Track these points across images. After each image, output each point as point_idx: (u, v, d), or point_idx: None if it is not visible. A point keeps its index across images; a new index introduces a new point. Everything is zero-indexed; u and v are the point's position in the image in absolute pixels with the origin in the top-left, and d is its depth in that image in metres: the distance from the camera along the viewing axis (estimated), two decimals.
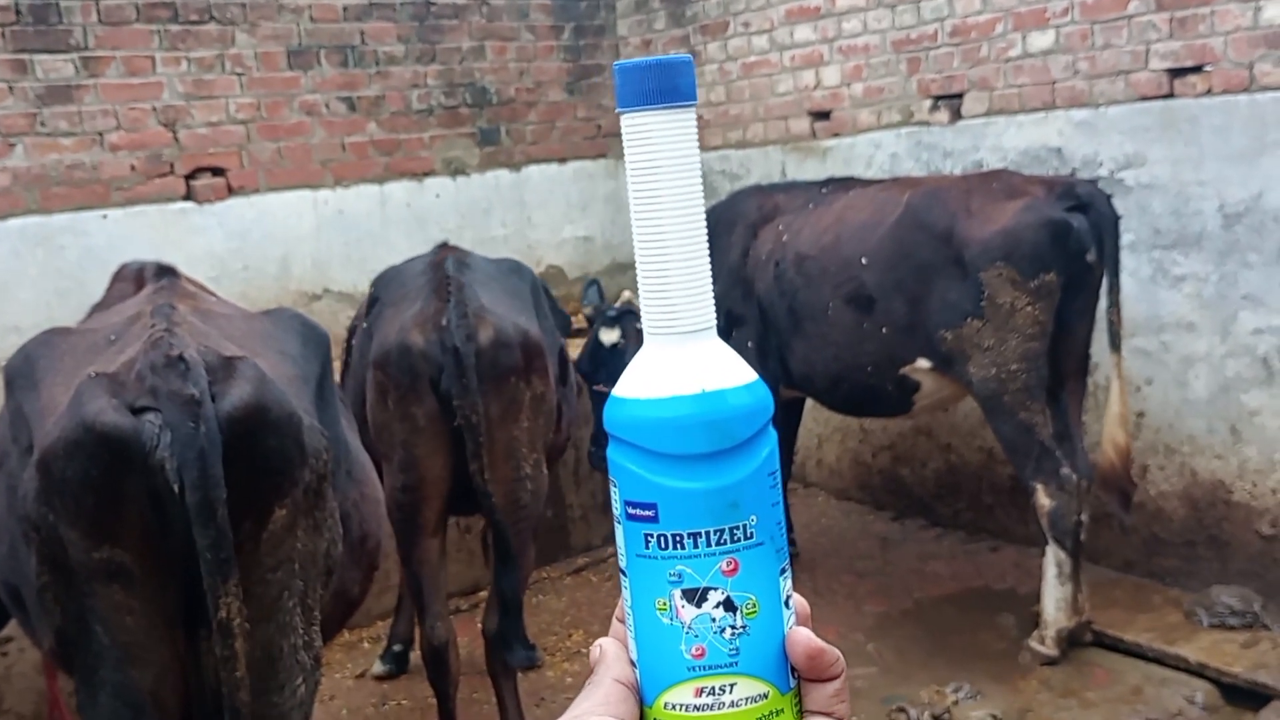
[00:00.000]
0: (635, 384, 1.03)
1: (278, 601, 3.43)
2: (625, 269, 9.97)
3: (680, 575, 1.01)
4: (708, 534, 1.00)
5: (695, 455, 1.00)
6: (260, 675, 3.40)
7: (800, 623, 1.06)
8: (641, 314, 1.06)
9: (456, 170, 9.28)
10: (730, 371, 1.03)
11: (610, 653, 1.08)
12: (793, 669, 1.04)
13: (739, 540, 1.01)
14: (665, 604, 1.01)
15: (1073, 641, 6.29)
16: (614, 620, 1.11)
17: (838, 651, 1.04)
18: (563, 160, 9.92)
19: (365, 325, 5.71)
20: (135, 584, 3.22)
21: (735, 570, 1.01)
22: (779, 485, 1.05)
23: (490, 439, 5.10)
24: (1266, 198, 6.30)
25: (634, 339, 7.07)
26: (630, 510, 1.02)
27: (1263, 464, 6.54)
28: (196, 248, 7.89)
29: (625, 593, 1.06)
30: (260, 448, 3.25)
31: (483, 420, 5.00)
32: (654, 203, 1.03)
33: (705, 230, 1.04)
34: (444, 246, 6.04)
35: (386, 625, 7.18)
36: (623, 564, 1.05)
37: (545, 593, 7.77)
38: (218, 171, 8.14)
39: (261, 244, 8.31)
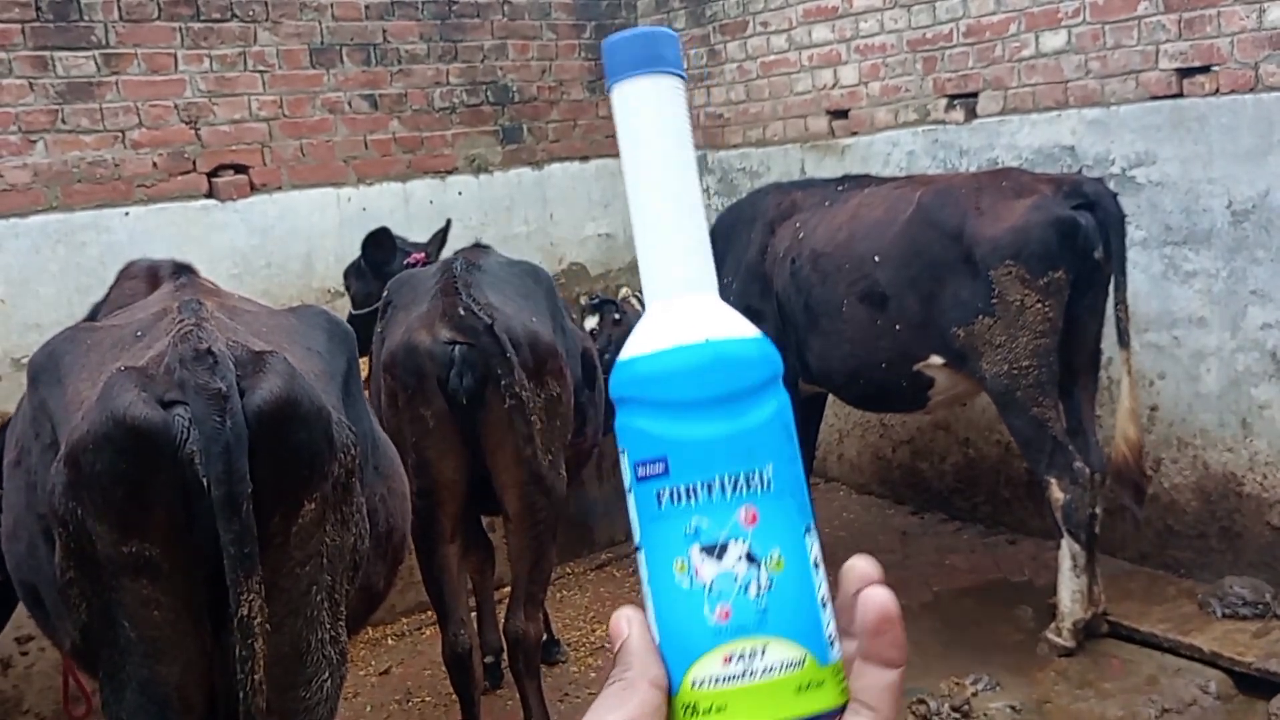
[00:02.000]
0: (638, 342, 0.99)
1: (305, 596, 3.41)
2: None
3: (697, 529, 0.94)
4: (722, 481, 0.94)
5: (704, 399, 0.95)
6: (287, 670, 3.39)
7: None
8: (642, 282, 1.04)
9: (479, 168, 9.32)
10: (735, 325, 0.98)
11: (638, 643, 0.96)
12: (831, 641, 0.95)
13: (755, 488, 0.95)
14: (684, 564, 0.94)
15: (1089, 633, 6.36)
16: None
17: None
18: (585, 158, 9.95)
19: (379, 330, 5.63)
20: (162, 578, 3.18)
21: (755, 520, 0.94)
22: (794, 441, 0.98)
23: (499, 441, 5.04)
24: (1273, 195, 6.36)
25: (609, 326, 7.24)
26: (640, 471, 0.97)
27: (1273, 456, 6.59)
28: (219, 245, 7.92)
29: (642, 571, 0.98)
30: (290, 441, 3.22)
31: (528, 395, 4.90)
32: (646, 166, 1.03)
33: (699, 192, 1.03)
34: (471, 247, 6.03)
35: (411, 621, 7.23)
36: (637, 539, 0.99)
37: (569, 588, 7.80)
38: (240, 169, 8.16)
39: (284, 241, 8.34)
